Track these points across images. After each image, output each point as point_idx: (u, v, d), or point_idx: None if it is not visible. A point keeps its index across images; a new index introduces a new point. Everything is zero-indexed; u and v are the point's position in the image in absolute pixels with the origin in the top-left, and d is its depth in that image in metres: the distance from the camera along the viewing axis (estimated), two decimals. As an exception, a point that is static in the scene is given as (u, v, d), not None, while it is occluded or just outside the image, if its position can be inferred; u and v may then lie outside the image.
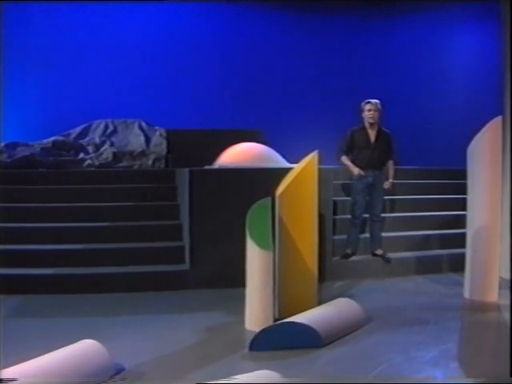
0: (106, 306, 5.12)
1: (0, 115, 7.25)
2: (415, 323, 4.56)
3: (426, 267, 6.48)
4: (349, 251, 6.41)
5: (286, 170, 5.96)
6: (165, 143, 8.12)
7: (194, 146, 8.10)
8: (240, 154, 6.40)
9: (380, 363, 3.67)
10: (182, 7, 9.35)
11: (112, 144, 8.00)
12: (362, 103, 6.40)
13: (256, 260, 4.39)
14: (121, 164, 7.74)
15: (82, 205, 6.65)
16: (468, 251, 5.33)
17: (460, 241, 6.83)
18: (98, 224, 6.39)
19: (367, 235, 6.62)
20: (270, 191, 5.33)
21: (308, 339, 3.96)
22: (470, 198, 5.35)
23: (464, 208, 7.40)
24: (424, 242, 6.85)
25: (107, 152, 7.76)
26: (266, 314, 4.37)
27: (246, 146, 6.61)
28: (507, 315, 4.72)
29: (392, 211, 7.25)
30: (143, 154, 7.86)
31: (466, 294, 5.32)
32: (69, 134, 8.05)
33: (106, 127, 8.25)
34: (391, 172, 6.43)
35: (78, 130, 8.18)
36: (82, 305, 5.11)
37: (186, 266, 5.90)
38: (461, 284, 5.79)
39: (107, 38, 9.05)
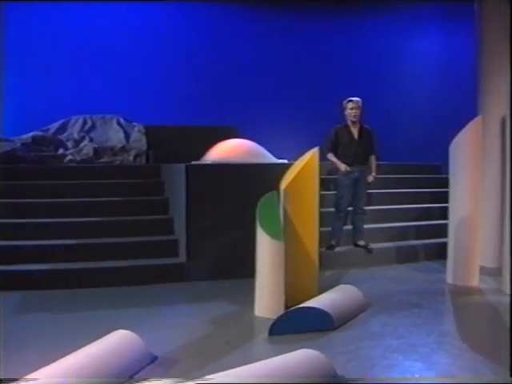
0: (109, 299, 5.20)
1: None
2: (411, 307, 4.92)
3: (405, 256, 6.91)
4: (333, 242, 6.74)
5: (280, 166, 6.28)
6: (144, 139, 8.20)
7: (172, 142, 8.18)
8: (230, 149, 6.59)
9: (392, 341, 3.99)
10: (158, 6, 9.40)
11: (91, 139, 8.01)
12: (344, 102, 6.72)
13: (267, 250, 4.62)
14: (102, 160, 7.76)
15: (69, 200, 6.65)
16: (450, 240, 5.76)
17: (433, 232, 7.40)
18: (86, 219, 6.41)
19: (350, 227, 6.95)
20: (264, 186, 5.58)
21: (322, 323, 4.24)
22: (452, 191, 5.77)
23: (435, 201, 8.00)
24: (402, 233, 7.29)
25: (88, 147, 7.77)
26: (277, 301, 4.60)
27: (235, 142, 6.81)
28: (492, 297, 5.20)
29: (372, 204, 7.62)
30: (124, 149, 7.91)
31: (449, 280, 5.75)
32: (47, 130, 7.98)
33: (85, 123, 8.23)
34: (374, 166, 6.80)
35: (56, 125, 8.12)
36: (86, 299, 5.17)
37: (183, 258, 6.04)
38: (439, 271, 6.27)
39: (84, 35, 9.03)
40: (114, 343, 3.47)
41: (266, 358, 3.32)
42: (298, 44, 10.29)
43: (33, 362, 3.26)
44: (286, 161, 6.72)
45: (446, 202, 7.83)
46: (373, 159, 6.83)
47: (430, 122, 9.82)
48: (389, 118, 9.63)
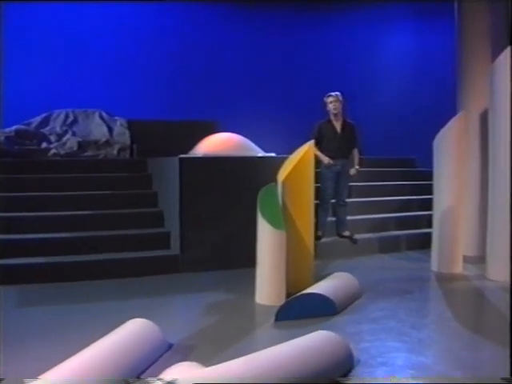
0: (109, 291, 5.24)
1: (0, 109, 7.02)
2: (403, 293, 5.16)
3: (388, 246, 7.19)
4: (319, 233, 6.93)
5: (271, 159, 6.45)
6: (128, 133, 8.21)
7: (155, 136, 8.22)
8: (219, 143, 6.70)
9: (393, 324, 4.21)
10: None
11: (74, 133, 7.97)
12: (324, 97, 6.92)
13: (269, 239, 4.77)
14: (86, 153, 7.74)
15: (57, 194, 6.62)
16: (435, 230, 6.04)
17: (413, 222, 7.71)
18: (75, 213, 6.39)
19: (333, 219, 7.17)
20: (256, 178, 5.81)
21: (325, 308, 4.41)
22: (436, 183, 6.05)
23: (412, 193, 8.31)
24: (383, 224, 7.56)
25: (71, 141, 7.74)
26: (278, 289, 4.76)
27: (224, 135, 6.93)
28: (477, 282, 5.50)
29: (354, 196, 7.85)
30: (108, 143, 7.91)
31: (434, 268, 6.03)
32: (29, 123, 7.91)
33: (67, 116, 8.18)
34: (356, 159, 7.02)
35: (38, 119, 8.04)
36: (85, 291, 5.19)
37: (175, 251, 6.13)
38: (422, 260, 6.57)
39: (66, 30, 8.94)
40: (134, 332, 3.50)
41: (278, 342, 3.44)
42: (276, 39, 10.43)
43: (52, 355, 3.29)
44: (273, 154, 6.89)
45: (423, 194, 8.25)
46: (355, 152, 7.04)
47: (404, 117, 10.13)
48: (365, 113, 9.91)
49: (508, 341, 3.72)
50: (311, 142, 5.40)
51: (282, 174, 5.20)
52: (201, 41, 9.98)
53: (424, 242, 7.25)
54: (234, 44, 10.13)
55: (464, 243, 6.11)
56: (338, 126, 6.91)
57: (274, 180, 5.22)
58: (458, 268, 5.91)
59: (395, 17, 10.87)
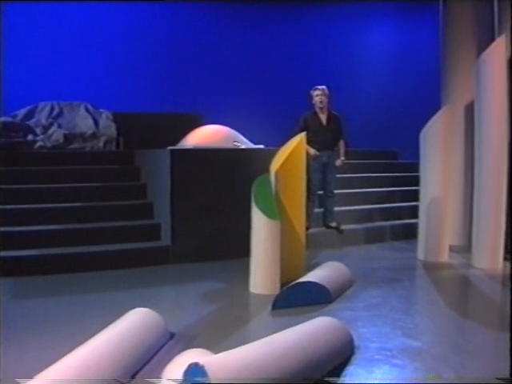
0: (101, 282, 5.24)
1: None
2: (393, 281, 5.29)
3: (373, 237, 7.33)
4: (307, 225, 7.03)
5: (261, 151, 6.52)
6: (114, 126, 8.18)
7: (140, 128, 8.24)
8: (209, 135, 6.77)
9: (386, 311, 4.33)
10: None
11: (60, 126, 7.92)
12: (311, 90, 7.01)
13: (263, 229, 4.84)
14: (72, 146, 7.71)
15: (45, 186, 6.59)
16: (422, 220, 6.20)
17: (396, 214, 7.87)
18: (64, 205, 6.37)
19: (320, 210, 7.27)
20: (247, 170, 5.95)
21: (320, 297, 4.51)
22: (422, 174, 6.20)
23: (395, 185, 8.48)
24: (368, 215, 7.70)
25: (57, 134, 7.69)
26: (273, 278, 4.84)
27: (213, 127, 6.99)
28: (463, 270, 5.67)
29: (339, 188, 7.96)
30: (94, 136, 7.89)
31: (421, 257, 6.19)
32: (15, 116, 7.83)
33: (52, 109, 8.12)
34: (342, 151, 7.12)
35: (23, 111, 7.97)
36: (79, 283, 5.18)
37: (166, 242, 6.17)
38: (407, 249, 6.74)
39: (52, 23, 8.85)
40: (138, 322, 3.51)
41: (278, 329, 3.52)
42: (259, 34, 10.48)
43: (55, 346, 3.35)
44: (262, 146, 6.97)
45: (406, 185, 8.43)
46: (341, 144, 7.14)
47: (386, 110, 10.28)
48: (347, 107, 10.04)
49: (495, 324, 3.92)
50: (303, 134, 5.49)
51: (274, 165, 5.27)
52: (185, 34, 9.97)
53: (408, 233, 7.45)
54: (218, 38, 10.15)
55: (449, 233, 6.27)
56: (323, 118, 7.00)
57: (265, 171, 5.27)
58: (444, 257, 6.07)
59: (378, 11, 11.00)
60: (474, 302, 4.83)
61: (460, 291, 5.24)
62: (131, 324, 3.49)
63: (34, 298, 4.75)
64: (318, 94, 6.89)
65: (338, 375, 3.03)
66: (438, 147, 5.96)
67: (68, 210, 6.34)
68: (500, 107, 5.50)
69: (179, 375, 2.49)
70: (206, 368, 2.11)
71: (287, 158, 5.24)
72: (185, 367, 2.36)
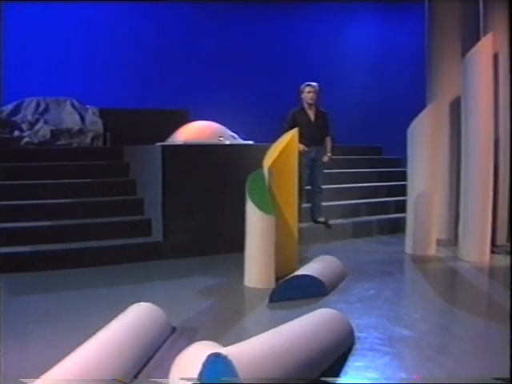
0: (95, 278, 5.24)
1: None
2: (384, 274, 5.41)
3: (360, 231, 7.45)
4: (296, 219, 7.12)
5: (251, 147, 6.58)
6: (100, 122, 8.14)
7: (126, 124, 8.15)
8: (198, 131, 6.79)
9: (381, 303, 4.43)
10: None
11: (46, 122, 7.84)
12: (302, 86, 7.08)
13: (258, 224, 4.90)
14: (59, 142, 7.66)
15: (34, 182, 6.54)
16: (409, 214, 6.32)
17: (382, 208, 8.01)
18: (53, 201, 6.33)
19: (308, 205, 7.36)
20: (238, 166, 6.01)
21: (316, 289, 4.59)
22: (410, 170, 6.32)
23: (381, 180, 8.62)
24: (355, 210, 7.82)
25: (44, 130, 7.63)
26: (268, 272, 4.91)
27: (202, 123, 7.01)
28: (451, 263, 5.82)
29: (327, 183, 8.06)
30: (81, 132, 7.84)
31: (409, 250, 6.31)
32: (0, 112, 7.74)
33: (38, 105, 8.03)
34: (329, 147, 7.21)
35: (9, 107, 7.86)
36: (71, 279, 5.17)
37: (158, 237, 6.19)
38: (395, 243, 6.87)
39: (37, 18, 8.76)
40: (142, 316, 3.52)
41: (278, 321, 3.60)
42: (243, 29, 10.49)
43: (57, 343, 3.38)
44: (251, 142, 7.02)
45: (390, 180, 8.58)
46: (328, 140, 7.23)
47: (370, 106, 10.41)
48: (332, 102, 10.16)
49: (485, 313, 4.05)
50: (295, 130, 5.55)
51: (267, 161, 5.33)
52: (171, 30, 9.95)
53: (394, 227, 7.60)
54: (203, 33, 10.13)
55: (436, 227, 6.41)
56: (311, 114, 7.08)
57: (256, 167, 5.32)
58: (432, 250, 6.21)
59: (363, 7, 11.11)
60: (464, 293, 4.96)
61: (450, 283, 5.39)
62: (136, 319, 3.49)
63: (28, 294, 4.72)
64: (310, 91, 6.96)
65: (343, 364, 3.11)
66: (425, 143, 6.09)
67: (57, 206, 6.30)
68: (487, 104, 5.66)
69: (191, 368, 2.53)
70: (230, 357, 2.15)
71: (280, 154, 5.30)
72: (202, 359, 2.38)
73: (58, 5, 8.78)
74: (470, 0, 6.61)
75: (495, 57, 5.91)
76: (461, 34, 6.69)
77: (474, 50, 5.69)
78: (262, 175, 5.14)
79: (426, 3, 7.06)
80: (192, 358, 2.72)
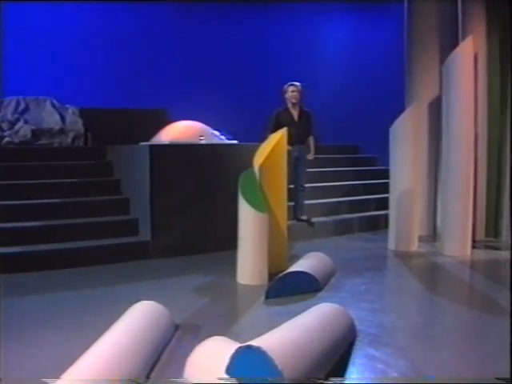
0: (85, 278, 5.23)
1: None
2: (372, 270, 5.55)
3: (341, 229, 7.61)
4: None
5: (238, 146, 6.65)
6: (81, 121, 8.10)
7: (106, 124, 8.13)
8: (183, 131, 6.84)
9: (373, 297, 4.56)
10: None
11: (26, 121, 7.76)
12: (285, 86, 7.20)
13: (251, 221, 4.99)
14: (40, 142, 7.59)
15: (16, 182, 6.50)
16: (392, 211, 6.51)
17: (361, 206, 8.19)
18: (38, 201, 6.31)
19: (291, 203, 7.47)
20: (226, 165, 6.11)
21: (310, 285, 4.70)
22: (392, 168, 6.50)
23: (359, 179, 8.80)
24: (335, 208, 7.97)
25: (25, 129, 7.55)
26: (261, 269, 5.00)
27: (186, 123, 7.06)
28: (434, 258, 6.02)
29: (310, 182, 8.19)
30: (62, 131, 7.78)
31: (392, 246, 6.49)
32: (-20, 111, 7.63)
33: (18, 104, 7.92)
34: (312, 146, 7.36)
35: (-11, 107, 7.78)
36: (62, 280, 5.14)
37: (146, 237, 6.20)
38: (377, 240, 7.06)
39: (16, 16, 8.65)
40: (148, 315, 3.53)
41: (276, 316, 3.73)
42: (220, 30, 10.54)
43: (64, 343, 3.41)
44: (236, 141, 7.11)
45: (368, 179, 8.77)
46: (311, 139, 7.37)
47: (348, 106, 10.59)
48: (310, 102, 10.34)
49: (472, 304, 4.22)
50: (284, 130, 5.65)
51: (258, 160, 5.42)
52: (150, 30, 9.95)
53: (374, 224, 7.80)
54: (183, 33, 10.17)
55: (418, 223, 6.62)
56: (295, 114, 7.21)
57: (244, 166, 5.38)
58: (414, 246, 6.41)
59: (339, 7, 11.29)
60: (451, 286, 5.13)
61: (437, 277, 5.58)
62: (143, 318, 3.49)
63: (24, 295, 4.69)
64: (294, 91, 7.08)
65: (351, 355, 3.23)
66: (407, 142, 6.28)
67: (42, 207, 6.27)
68: (468, 104, 5.89)
69: (210, 364, 2.59)
70: (264, 349, 2.22)
71: (270, 153, 5.39)
72: (221, 354, 2.44)
73: (36, 5, 8.67)
74: (449, 2, 6.82)
75: (475, 58, 6.13)
76: (439, 36, 6.89)
77: (455, 52, 5.90)
78: (254, 174, 5.22)
79: (406, 5, 7.24)
80: (209, 355, 2.78)
